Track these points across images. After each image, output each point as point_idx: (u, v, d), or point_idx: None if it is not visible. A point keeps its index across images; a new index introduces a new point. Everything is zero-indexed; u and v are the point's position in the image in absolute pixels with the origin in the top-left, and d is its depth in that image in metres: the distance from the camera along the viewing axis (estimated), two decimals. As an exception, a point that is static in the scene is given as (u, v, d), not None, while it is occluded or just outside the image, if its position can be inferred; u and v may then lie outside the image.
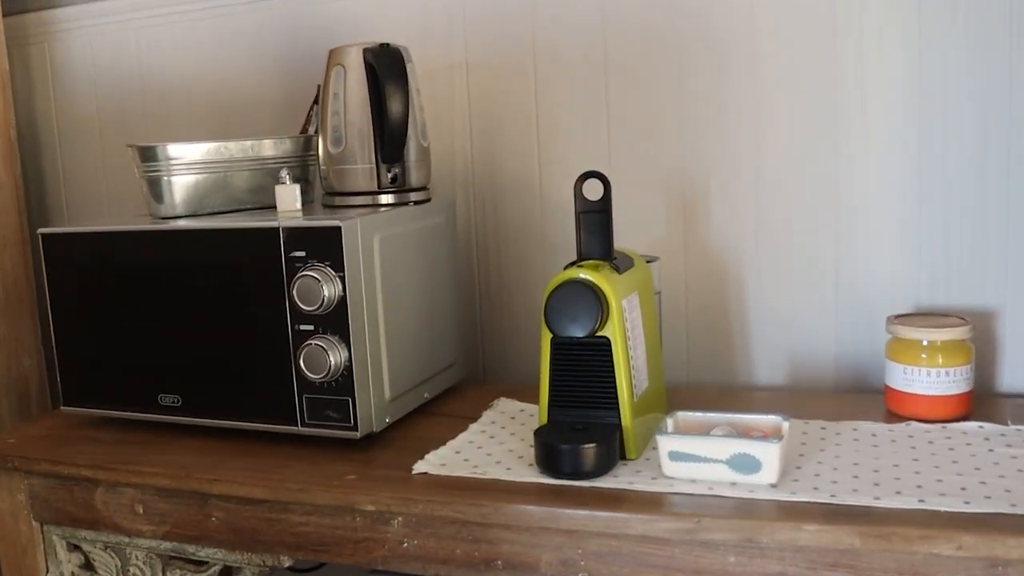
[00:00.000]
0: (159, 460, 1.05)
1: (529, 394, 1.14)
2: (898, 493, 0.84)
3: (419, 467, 0.97)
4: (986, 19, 1.10)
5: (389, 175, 1.15)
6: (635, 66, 1.26)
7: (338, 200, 1.16)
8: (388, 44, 1.14)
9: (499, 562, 0.90)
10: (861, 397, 1.17)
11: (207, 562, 1.09)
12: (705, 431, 0.92)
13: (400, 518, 0.93)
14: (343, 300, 1.00)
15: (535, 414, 1.11)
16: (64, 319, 1.16)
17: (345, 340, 1.01)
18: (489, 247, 1.38)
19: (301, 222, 1.03)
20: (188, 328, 1.09)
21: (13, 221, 1.57)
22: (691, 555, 0.84)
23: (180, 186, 1.18)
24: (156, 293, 1.10)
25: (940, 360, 1.04)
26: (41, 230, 1.16)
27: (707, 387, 1.28)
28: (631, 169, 1.28)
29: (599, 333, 0.94)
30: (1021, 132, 1.11)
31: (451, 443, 1.04)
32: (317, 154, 1.19)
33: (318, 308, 1.00)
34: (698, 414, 0.96)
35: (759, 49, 1.20)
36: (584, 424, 0.95)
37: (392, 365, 1.08)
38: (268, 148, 1.23)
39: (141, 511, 1.05)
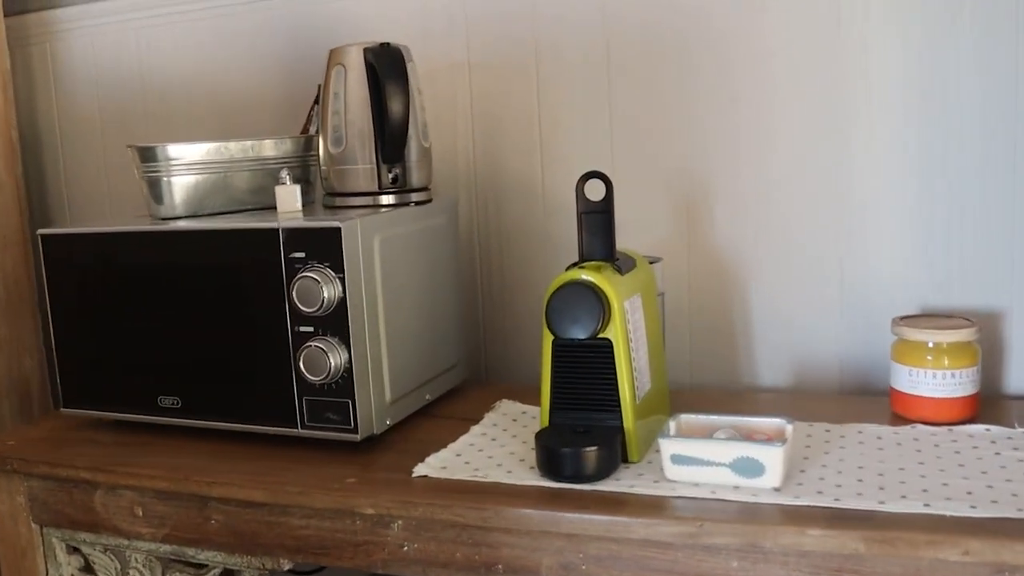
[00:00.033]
0: (158, 462, 1.04)
1: (532, 395, 1.13)
2: (903, 497, 0.83)
3: (419, 470, 0.96)
4: (992, 15, 1.09)
5: (390, 175, 1.14)
6: (637, 65, 1.26)
7: (339, 200, 1.15)
8: (388, 44, 1.13)
9: (500, 566, 0.90)
10: (866, 399, 1.16)
11: (207, 565, 1.08)
12: (708, 434, 0.91)
13: (400, 521, 0.92)
14: (343, 301, 1.00)
15: (537, 416, 1.10)
16: (64, 320, 1.16)
17: (345, 342, 1.00)
18: (491, 247, 1.37)
19: (300, 223, 1.02)
20: (188, 329, 1.08)
21: (14, 221, 1.57)
22: (693, 559, 0.83)
23: (180, 187, 1.18)
24: (156, 294, 1.09)
25: (946, 362, 1.03)
26: (40, 231, 1.15)
27: (710, 389, 1.27)
28: (634, 169, 1.27)
29: (601, 335, 0.93)
30: (1028, 131, 1.10)
31: (452, 446, 1.03)
32: (318, 154, 1.18)
33: (318, 309, 1.00)
34: (701, 417, 0.95)
35: (761, 48, 1.19)
36: (586, 427, 0.94)
37: (393, 367, 1.07)
38: (268, 148, 1.23)
39: (140, 513, 1.05)
